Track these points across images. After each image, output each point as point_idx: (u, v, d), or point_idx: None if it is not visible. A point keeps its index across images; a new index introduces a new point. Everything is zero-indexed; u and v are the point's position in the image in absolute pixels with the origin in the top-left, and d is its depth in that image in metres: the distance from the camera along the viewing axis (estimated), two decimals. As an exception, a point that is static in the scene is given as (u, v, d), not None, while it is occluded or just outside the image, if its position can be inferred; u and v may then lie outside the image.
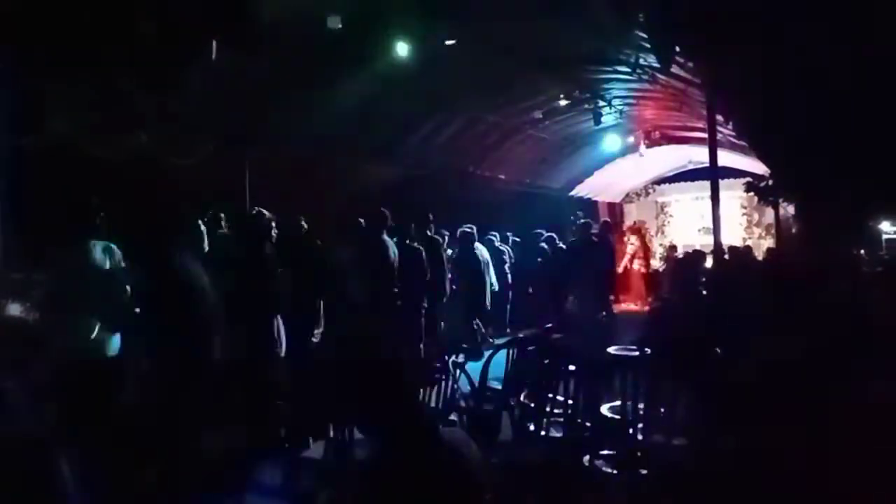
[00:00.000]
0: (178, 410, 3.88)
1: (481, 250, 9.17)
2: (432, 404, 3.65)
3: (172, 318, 3.85)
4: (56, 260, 4.12)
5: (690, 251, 11.49)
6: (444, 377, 3.89)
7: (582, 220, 9.93)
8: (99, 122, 5.73)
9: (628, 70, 8.56)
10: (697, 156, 14.21)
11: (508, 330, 9.42)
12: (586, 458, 3.83)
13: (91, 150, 5.79)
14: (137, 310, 4.16)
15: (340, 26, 6.01)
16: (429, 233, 7.91)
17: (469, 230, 8.86)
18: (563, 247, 10.33)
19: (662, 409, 3.95)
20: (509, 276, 10.09)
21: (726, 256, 8.60)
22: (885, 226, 11.16)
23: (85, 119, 5.56)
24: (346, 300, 5.36)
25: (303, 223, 6.52)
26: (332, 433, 3.52)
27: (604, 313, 8.77)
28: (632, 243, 15.13)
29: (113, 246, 4.31)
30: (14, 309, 4.10)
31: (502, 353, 4.70)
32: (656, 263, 16.17)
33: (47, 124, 5.28)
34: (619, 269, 12.84)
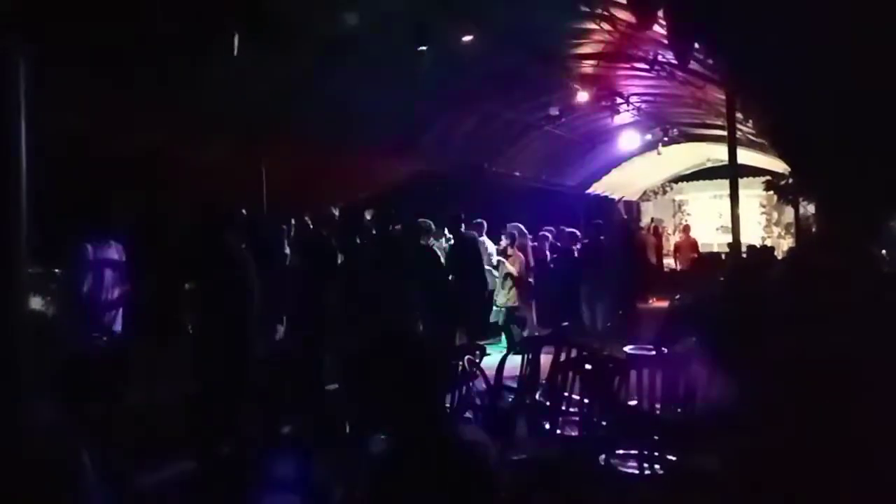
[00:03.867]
0: (207, 403, 3.91)
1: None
2: (448, 402, 3.65)
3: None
4: (73, 255, 4.18)
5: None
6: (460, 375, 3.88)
7: (595, 221, 9.91)
8: (118, 118, 5.79)
9: (646, 67, 8.49)
10: (716, 153, 14.07)
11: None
12: (602, 457, 3.81)
13: (109, 147, 5.86)
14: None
15: (357, 23, 6.01)
16: (462, 230, 7.81)
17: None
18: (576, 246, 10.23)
19: (679, 409, 3.93)
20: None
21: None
22: (907, 225, 10.98)
23: (104, 115, 5.61)
24: (368, 300, 5.36)
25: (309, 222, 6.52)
26: (348, 430, 3.54)
27: (620, 312, 8.72)
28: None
29: (115, 242, 4.37)
30: (35, 303, 4.17)
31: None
32: (672, 262, 16.03)
33: (67, 121, 5.33)
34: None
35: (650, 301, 11.80)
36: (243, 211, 6.05)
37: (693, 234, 15.53)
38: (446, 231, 8.38)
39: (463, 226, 7.99)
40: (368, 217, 6.99)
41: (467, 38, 6.89)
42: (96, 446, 3.43)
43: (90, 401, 4.02)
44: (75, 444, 3.14)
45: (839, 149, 4.66)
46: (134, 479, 3.68)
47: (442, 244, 8.27)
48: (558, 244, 10.39)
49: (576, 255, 9.90)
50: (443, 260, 7.06)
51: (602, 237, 9.77)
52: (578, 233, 10.33)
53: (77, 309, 4.28)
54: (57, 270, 5.18)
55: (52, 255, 4.53)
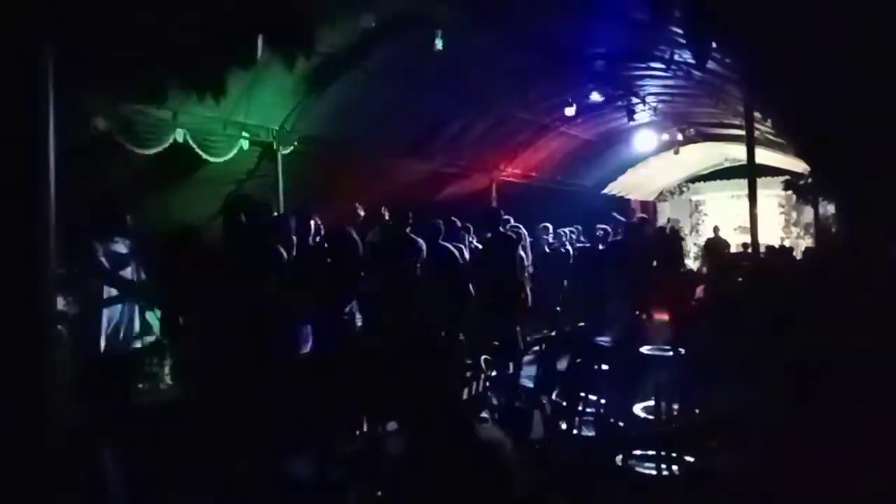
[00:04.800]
0: (220, 403, 3.95)
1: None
2: (464, 401, 3.65)
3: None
4: (88, 256, 4.25)
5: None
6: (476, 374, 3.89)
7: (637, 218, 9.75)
8: (139, 118, 5.86)
9: (663, 66, 8.44)
10: (734, 153, 13.95)
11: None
12: (619, 457, 3.80)
13: (130, 147, 5.93)
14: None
15: (374, 24, 6.04)
16: (501, 229, 7.74)
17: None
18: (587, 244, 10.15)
19: (697, 410, 3.91)
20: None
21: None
22: (930, 225, 10.80)
23: (125, 116, 5.69)
24: (392, 298, 5.37)
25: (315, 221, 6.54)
26: (365, 427, 3.56)
27: (643, 315, 8.65)
28: None
29: (128, 242, 4.44)
30: (58, 303, 4.23)
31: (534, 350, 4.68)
32: (689, 263, 15.89)
33: (90, 122, 5.41)
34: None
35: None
36: (276, 213, 6.09)
37: (710, 234, 15.35)
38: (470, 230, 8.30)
39: (501, 225, 7.87)
40: (385, 217, 7.01)
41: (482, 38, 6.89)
42: (118, 446, 3.49)
43: (111, 401, 4.09)
44: (98, 444, 3.19)
45: (860, 148, 4.61)
46: (152, 478, 3.73)
47: (469, 243, 8.15)
48: (583, 242, 10.33)
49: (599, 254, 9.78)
50: (461, 259, 7.02)
51: (628, 236, 9.67)
52: (609, 230, 10.19)
53: (92, 310, 4.34)
54: (76, 270, 5.26)
55: (74, 254, 4.59)
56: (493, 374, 4.27)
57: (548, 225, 10.09)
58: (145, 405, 4.57)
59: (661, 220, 17.71)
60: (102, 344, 4.27)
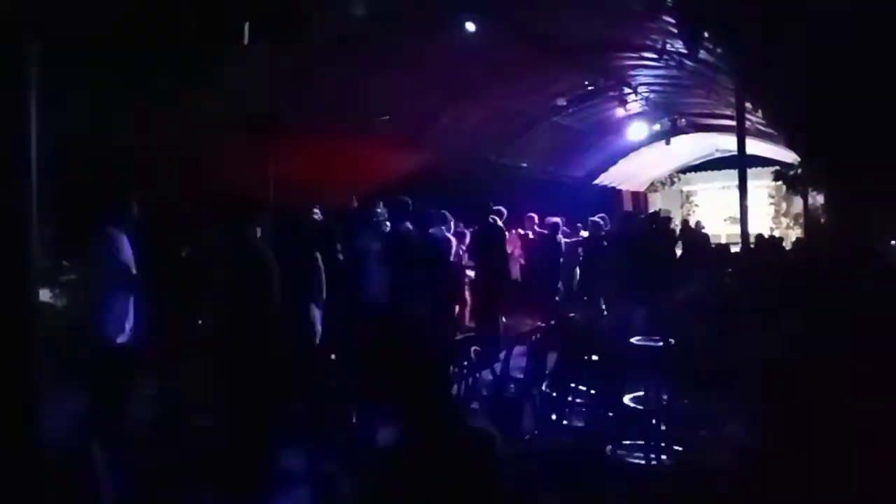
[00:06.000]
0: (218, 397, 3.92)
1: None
2: (455, 393, 3.65)
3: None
4: (86, 248, 4.20)
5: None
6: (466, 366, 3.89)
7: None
8: (128, 111, 5.81)
9: (655, 56, 8.42)
10: (724, 144, 13.97)
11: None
12: (609, 447, 3.82)
13: (120, 139, 5.88)
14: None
15: (365, 13, 5.98)
16: (492, 220, 7.72)
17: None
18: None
19: (686, 400, 3.93)
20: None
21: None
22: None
23: (115, 109, 5.64)
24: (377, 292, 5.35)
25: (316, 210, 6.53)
26: (354, 420, 3.56)
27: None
28: None
29: (124, 235, 4.37)
30: (43, 295, 4.19)
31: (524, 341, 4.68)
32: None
33: (79, 115, 5.35)
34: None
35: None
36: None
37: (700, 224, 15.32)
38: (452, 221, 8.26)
39: (494, 217, 7.86)
40: (378, 209, 6.99)
41: (473, 29, 6.85)
42: (106, 439, 3.46)
43: (103, 394, 4.06)
44: (86, 436, 3.17)
45: (851, 139, 4.62)
46: (141, 470, 3.71)
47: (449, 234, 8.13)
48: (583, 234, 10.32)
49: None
50: (453, 250, 7.03)
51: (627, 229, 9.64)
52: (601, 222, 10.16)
53: (102, 301, 4.27)
54: (65, 262, 5.20)
55: (61, 248, 4.55)
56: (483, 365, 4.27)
57: (533, 215, 10.09)
58: (142, 402, 4.54)
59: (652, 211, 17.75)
60: (106, 338, 4.20)
